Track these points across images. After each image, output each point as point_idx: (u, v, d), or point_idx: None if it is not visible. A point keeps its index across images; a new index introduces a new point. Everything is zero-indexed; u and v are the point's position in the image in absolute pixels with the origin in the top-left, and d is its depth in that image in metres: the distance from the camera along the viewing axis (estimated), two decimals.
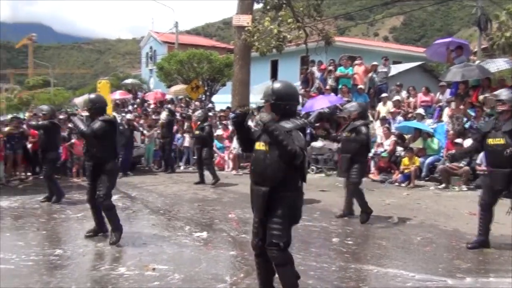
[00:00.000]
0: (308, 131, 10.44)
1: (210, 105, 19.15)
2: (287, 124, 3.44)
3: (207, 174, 10.84)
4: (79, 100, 8.21)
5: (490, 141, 5.37)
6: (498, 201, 5.46)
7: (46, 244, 5.82)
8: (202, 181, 10.78)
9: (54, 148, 8.51)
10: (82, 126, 5.76)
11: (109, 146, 5.82)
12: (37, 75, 70.54)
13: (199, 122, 11.12)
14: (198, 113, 11.74)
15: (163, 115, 13.97)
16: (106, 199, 5.72)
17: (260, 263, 3.71)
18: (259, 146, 3.56)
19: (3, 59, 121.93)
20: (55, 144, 8.59)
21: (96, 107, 5.88)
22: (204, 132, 10.74)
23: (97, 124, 5.72)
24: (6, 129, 11.20)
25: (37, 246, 5.70)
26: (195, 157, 14.19)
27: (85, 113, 6.10)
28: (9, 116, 16.30)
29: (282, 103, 3.53)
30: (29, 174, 11.91)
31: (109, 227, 5.91)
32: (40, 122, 8.54)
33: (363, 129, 6.80)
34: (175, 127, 14.50)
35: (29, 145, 11.52)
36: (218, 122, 15.21)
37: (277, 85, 3.62)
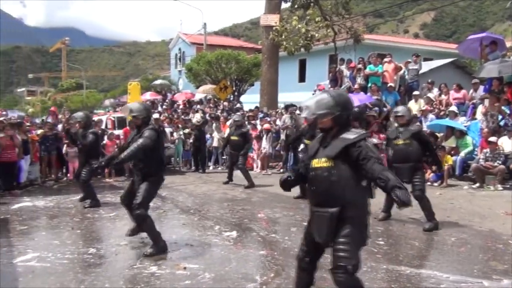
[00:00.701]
0: None
1: (238, 105, 19.21)
2: (351, 135, 3.17)
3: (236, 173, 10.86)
4: (127, 107, 7.94)
5: None
6: None
7: (80, 243, 5.95)
8: (230, 179, 10.78)
9: (96, 155, 8.41)
10: (143, 140, 5.24)
11: (157, 156, 5.47)
12: (70, 78, 72.42)
13: (235, 127, 10.80)
14: (236, 117, 11.40)
15: (197, 117, 14.13)
16: (139, 208, 5.27)
17: (302, 276, 3.48)
18: (319, 163, 3.21)
19: (38, 63, 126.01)
20: (97, 152, 8.65)
21: (145, 116, 5.56)
22: (243, 138, 10.50)
23: (147, 132, 5.31)
24: (39, 132, 11.53)
25: (72, 245, 5.83)
26: (224, 157, 14.35)
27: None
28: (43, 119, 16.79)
29: (346, 113, 3.26)
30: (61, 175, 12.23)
31: None
32: (88, 139, 8.24)
33: (425, 133, 6.53)
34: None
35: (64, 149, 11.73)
36: (246, 122, 15.22)
37: (336, 95, 3.31)
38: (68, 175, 11.90)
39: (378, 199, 8.38)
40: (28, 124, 12.30)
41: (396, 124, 6.97)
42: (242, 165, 10.54)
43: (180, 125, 14.74)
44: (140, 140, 5.25)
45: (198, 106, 19.96)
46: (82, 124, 8.46)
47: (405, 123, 6.60)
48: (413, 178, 6.43)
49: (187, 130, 14.31)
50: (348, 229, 3.11)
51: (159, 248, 5.30)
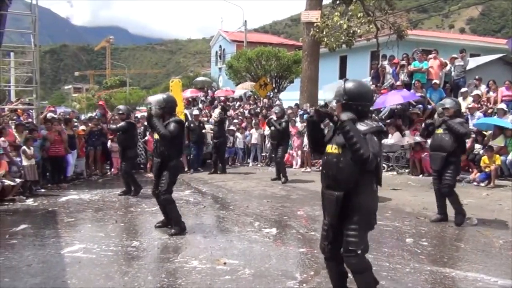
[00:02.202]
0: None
1: (278, 102, 19.16)
2: (362, 127, 3.24)
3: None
4: (153, 99, 8.48)
5: None
6: None
7: (124, 235, 6.11)
8: (279, 177, 10.68)
9: (132, 146, 9.01)
10: (161, 129, 5.96)
11: (178, 145, 6.18)
12: (114, 75, 74.45)
13: (276, 118, 10.74)
14: (275, 109, 11.34)
15: (216, 113, 13.09)
16: (165, 193, 6.05)
17: (331, 267, 3.62)
18: (331, 149, 3.39)
19: (83, 60, 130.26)
20: (133, 142, 9.10)
21: (169, 107, 6.21)
22: (281, 128, 10.45)
23: (171, 126, 5.98)
24: (81, 127, 11.87)
25: (116, 237, 6.00)
26: (263, 154, 14.36)
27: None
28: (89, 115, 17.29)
29: (354, 103, 3.34)
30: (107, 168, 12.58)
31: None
32: (118, 125, 8.97)
33: (466, 126, 6.39)
34: (239, 125, 14.64)
35: (109, 144, 12.08)
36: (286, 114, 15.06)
37: (349, 84, 3.42)
38: (112, 169, 12.25)
39: (421, 199, 8.23)
40: (74, 119, 12.73)
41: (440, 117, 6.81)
42: (280, 159, 10.53)
43: None
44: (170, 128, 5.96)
45: (238, 103, 20.08)
46: (125, 116, 9.04)
47: (452, 115, 6.44)
48: (445, 170, 6.38)
49: (208, 127, 13.37)
50: (356, 215, 3.31)
51: (181, 229, 6.05)
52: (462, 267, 4.77)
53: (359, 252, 3.30)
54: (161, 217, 6.48)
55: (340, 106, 3.37)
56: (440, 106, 6.88)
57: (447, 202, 6.57)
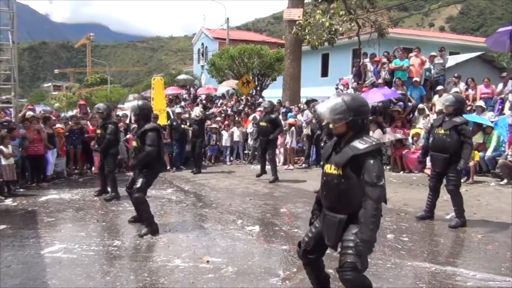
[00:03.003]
0: None
1: (260, 100, 19.17)
2: (361, 145, 3.08)
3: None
4: (128, 105, 8.37)
5: None
6: None
7: (106, 235, 6.06)
8: (263, 171, 10.62)
9: (114, 144, 8.74)
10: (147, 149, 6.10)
11: (156, 150, 6.16)
12: (95, 73, 73.56)
13: (264, 113, 10.63)
14: (265, 103, 11.13)
15: (196, 111, 12.63)
16: (138, 192, 6.03)
17: (307, 271, 3.57)
18: (330, 169, 3.21)
19: (63, 58, 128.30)
20: (115, 140, 8.82)
21: (143, 114, 6.32)
22: (271, 123, 10.29)
23: (149, 138, 6.09)
24: (58, 125, 11.64)
25: (97, 237, 5.94)
26: (246, 152, 14.36)
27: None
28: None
29: (360, 118, 3.17)
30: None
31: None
32: (110, 130, 8.50)
33: (466, 128, 6.29)
34: (222, 122, 14.60)
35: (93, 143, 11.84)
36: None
37: (348, 99, 3.21)
38: (93, 168, 12.10)
39: (402, 195, 8.33)
40: (54, 118, 12.53)
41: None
42: (272, 157, 10.48)
43: None
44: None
45: (221, 101, 20.03)
46: (104, 115, 8.70)
47: (452, 113, 6.40)
48: (449, 171, 6.32)
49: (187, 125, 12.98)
50: (357, 228, 3.07)
51: (153, 230, 5.96)
52: (442, 262, 4.85)
53: (358, 265, 3.03)
54: None
55: (344, 124, 3.17)
56: (442, 102, 6.85)
57: (450, 203, 6.52)
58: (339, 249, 3.20)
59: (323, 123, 8.72)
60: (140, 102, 6.50)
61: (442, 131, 6.40)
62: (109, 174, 8.57)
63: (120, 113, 14.79)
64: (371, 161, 3.03)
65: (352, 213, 3.11)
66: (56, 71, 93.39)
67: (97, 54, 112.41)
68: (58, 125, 11.61)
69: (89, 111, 14.41)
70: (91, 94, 51.92)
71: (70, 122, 12.05)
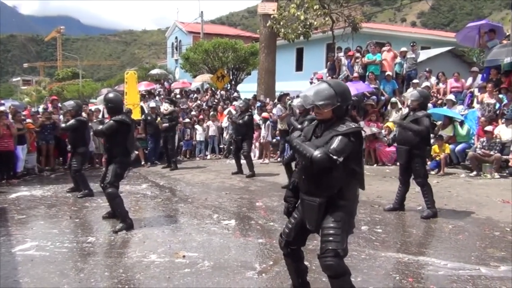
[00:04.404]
0: None
1: (235, 94, 19.15)
2: (341, 128, 3.10)
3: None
4: (99, 98, 8.13)
5: None
6: None
7: (79, 231, 5.96)
8: (240, 171, 10.63)
9: (83, 143, 8.47)
10: (94, 127, 6.36)
11: (121, 143, 6.12)
12: (66, 67, 71.90)
13: (239, 112, 10.65)
14: (239, 102, 11.15)
15: (165, 106, 12.28)
16: (110, 187, 5.99)
17: (288, 262, 3.58)
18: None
19: (33, 52, 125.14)
20: (83, 139, 8.57)
21: (109, 107, 6.27)
22: (244, 122, 10.31)
23: (107, 124, 6.11)
24: (28, 120, 11.38)
25: (71, 233, 5.85)
26: (221, 146, 14.34)
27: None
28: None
29: (345, 104, 3.19)
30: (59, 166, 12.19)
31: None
32: (68, 123, 8.38)
33: (425, 121, 6.38)
34: (197, 117, 14.53)
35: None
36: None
37: (336, 84, 3.24)
38: (66, 165, 11.86)
39: (376, 188, 8.48)
40: (23, 113, 12.23)
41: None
42: (247, 153, 10.47)
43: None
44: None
45: (195, 95, 19.92)
46: (73, 113, 8.44)
47: (417, 108, 6.52)
48: (413, 164, 6.46)
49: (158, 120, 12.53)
50: (338, 215, 3.14)
51: (127, 225, 5.91)
52: (414, 252, 4.96)
53: (340, 251, 3.09)
54: None
55: (331, 110, 3.16)
56: (407, 97, 6.99)
57: (420, 195, 6.65)
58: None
59: (298, 115, 8.68)
60: (108, 95, 6.44)
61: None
62: (76, 174, 8.35)
63: (92, 107, 14.53)
64: (340, 137, 3.05)
65: (331, 197, 3.16)
66: (25, 65, 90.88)
67: (68, 48, 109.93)
68: (28, 120, 11.34)
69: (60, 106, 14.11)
70: (63, 88, 50.76)
71: (39, 116, 11.77)
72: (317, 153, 3.00)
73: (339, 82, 3.40)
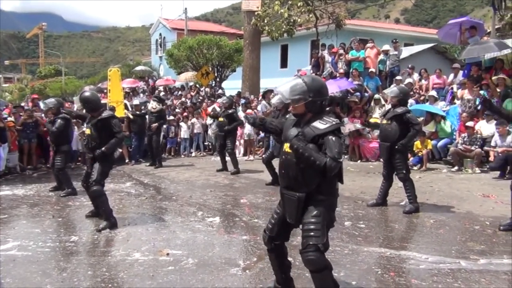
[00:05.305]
0: None
1: (220, 91, 19.11)
2: (322, 125, 3.14)
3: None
4: (76, 98, 7.99)
5: None
6: None
7: (62, 231, 5.91)
8: (225, 168, 10.63)
9: (66, 141, 8.40)
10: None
11: (108, 140, 6.05)
12: (48, 64, 70.91)
13: (223, 109, 10.61)
14: (223, 99, 11.12)
15: (153, 104, 12.14)
16: (96, 185, 5.93)
17: (272, 258, 3.61)
18: (290, 148, 3.23)
19: (14, 49, 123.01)
20: (67, 137, 8.47)
21: (88, 107, 6.21)
22: (228, 119, 10.29)
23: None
24: (10, 118, 11.22)
25: (53, 233, 5.80)
26: (206, 143, 14.31)
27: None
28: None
29: (319, 99, 3.22)
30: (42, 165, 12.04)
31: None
32: (57, 125, 8.17)
33: (411, 116, 6.43)
34: (181, 114, 14.45)
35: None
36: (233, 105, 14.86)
37: (309, 80, 3.26)
38: (48, 163, 11.72)
39: (359, 183, 8.56)
40: (4, 112, 12.04)
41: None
42: (231, 150, 10.47)
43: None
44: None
45: (180, 92, 19.82)
46: (54, 110, 8.35)
47: (396, 104, 6.58)
48: (394, 160, 6.54)
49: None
50: (318, 209, 3.20)
51: (111, 224, 5.87)
52: (396, 247, 5.03)
53: (320, 245, 3.15)
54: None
55: (303, 105, 3.22)
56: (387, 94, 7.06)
57: (403, 191, 6.71)
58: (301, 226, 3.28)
59: (278, 112, 8.69)
60: (86, 94, 6.36)
61: (385, 121, 6.69)
62: (60, 172, 8.25)
63: (75, 106, 14.37)
64: (333, 138, 3.10)
65: (310, 192, 3.21)
66: (6, 62, 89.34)
67: (50, 45, 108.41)
68: (9, 119, 11.17)
69: (41, 104, 13.92)
70: (45, 86, 50.08)
71: (21, 114, 11.60)
72: (330, 162, 3.03)
73: (315, 78, 3.43)
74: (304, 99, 3.20)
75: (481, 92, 10.83)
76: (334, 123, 3.18)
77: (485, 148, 9.63)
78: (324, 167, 3.04)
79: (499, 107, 6.77)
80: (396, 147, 6.43)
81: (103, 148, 5.93)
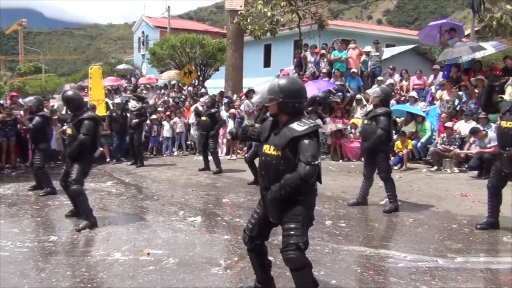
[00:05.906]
0: None
1: (203, 90, 19.05)
2: (299, 127, 3.17)
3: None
4: (58, 96, 7.82)
5: (504, 123, 5.32)
6: (507, 183, 5.50)
7: (41, 231, 5.83)
8: (207, 167, 10.59)
9: (44, 139, 8.27)
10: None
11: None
12: (28, 62, 69.69)
13: (205, 108, 10.56)
14: (205, 98, 11.10)
15: (133, 103, 12.04)
16: (75, 184, 5.87)
17: (252, 258, 3.63)
18: (269, 150, 3.27)
19: None
20: (45, 136, 8.32)
21: (71, 106, 6.20)
22: (211, 118, 10.28)
23: (85, 125, 5.94)
24: None
25: (32, 233, 5.71)
26: (188, 142, 14.26)
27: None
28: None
29: (291, 101, 3.23)
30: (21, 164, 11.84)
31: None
32: (34, 122, 8.04)
33: (382, 119, 6.42)
34: (164, 113, 14.39)
35: None
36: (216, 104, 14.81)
37: (283, 81, 3.32)
38: (27, 162, 11.54)
39: (341, 183, 8.63)
40: None
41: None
42: (213, 149, 10.45)
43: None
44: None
45: (162, 91, 19.71)
46: (34, 108, 8.22)
47: (378, 104, 6.62)
48: (377, 159, 6.59)
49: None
50: (297, 209, 3.23)
51: (91, 223, 5.82)
52: (376, 245, 5.09)
53: (301, 245, 3.19)
54: None
55: (276, 105, 3.26)
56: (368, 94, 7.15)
57: (383, 190, 6.79)
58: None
59: (258, 112, 8.71)
60: (68, 93, 6.32)
61: (366, 121, 6.78)
62: (39, 171, 8.13)
63: (56, 104, 14.17)
64: (307, 141, 3.13)
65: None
66: None
67: (30, 42, 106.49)
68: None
69: (21, 101, 13.68)
70: (25, 83, 49.23)
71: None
72: (303, 168, 3.06)
73: (292, 81, 3.43)
74: (275, 99, 3.24)
75: (460, 93, 11.03)
76: (312, 125, 3.21)
77: (459, 151, 9.76)
78: (302, 179, 3.08)
79: (495, 97, 6.91)
80: (363, 147, 6.56)
81: (67, 151, 5.98)
